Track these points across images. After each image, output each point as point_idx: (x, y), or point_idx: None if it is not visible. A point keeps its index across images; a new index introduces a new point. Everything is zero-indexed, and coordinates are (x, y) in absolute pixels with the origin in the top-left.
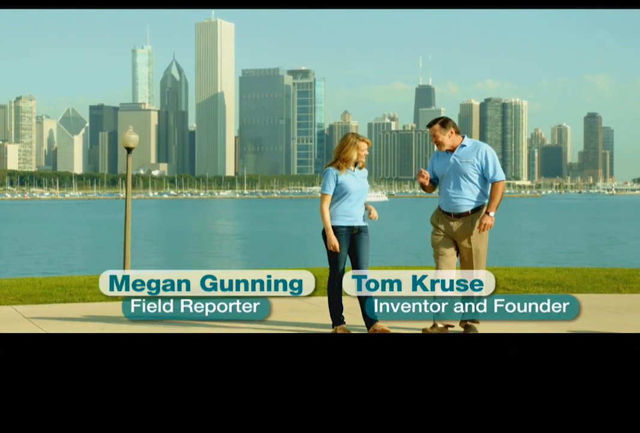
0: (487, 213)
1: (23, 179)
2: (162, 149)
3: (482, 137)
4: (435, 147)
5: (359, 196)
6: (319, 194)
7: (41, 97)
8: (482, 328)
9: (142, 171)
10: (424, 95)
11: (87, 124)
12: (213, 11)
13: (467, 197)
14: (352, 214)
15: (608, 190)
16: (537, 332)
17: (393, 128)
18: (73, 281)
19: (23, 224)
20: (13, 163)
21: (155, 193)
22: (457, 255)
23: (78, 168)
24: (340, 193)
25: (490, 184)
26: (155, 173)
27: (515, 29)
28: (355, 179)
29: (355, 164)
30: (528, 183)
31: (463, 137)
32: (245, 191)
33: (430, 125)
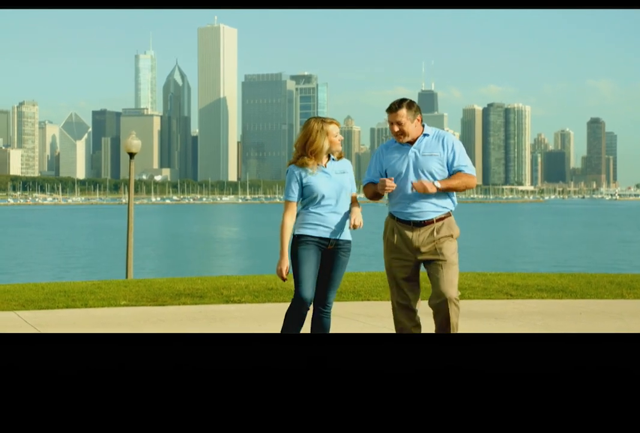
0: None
1: (26, 184)
2: (165, 155)
3: (485, 142)
4: (391, 139)
5: (336, 199)
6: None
7: (44, 103)
8: (481, 328)
9: (144, 177)
10: (427, 100)
11: (90, 130)
12: (216, 16)
13: (431, 201)
14: (327, 224)
15: (611, 195)
16: (538, 332)
17: None
18: (75, 287)
19: (26, 229)
20: (16, 168)
21: (158, 198)
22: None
23: (81, 173)
24: (308, 198)
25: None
26: (157, 178)
27: (518, 34)
28: (327, 177)
29: (329, 156)
30: (531, 188)
31: (423, 125)
32: (248, 197)
33: (393, 109)
